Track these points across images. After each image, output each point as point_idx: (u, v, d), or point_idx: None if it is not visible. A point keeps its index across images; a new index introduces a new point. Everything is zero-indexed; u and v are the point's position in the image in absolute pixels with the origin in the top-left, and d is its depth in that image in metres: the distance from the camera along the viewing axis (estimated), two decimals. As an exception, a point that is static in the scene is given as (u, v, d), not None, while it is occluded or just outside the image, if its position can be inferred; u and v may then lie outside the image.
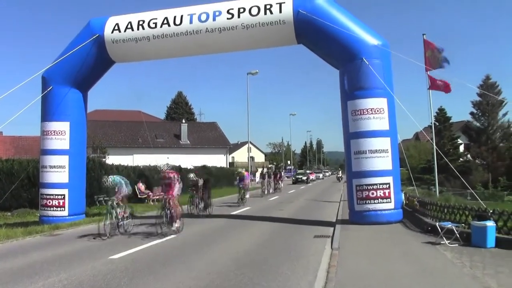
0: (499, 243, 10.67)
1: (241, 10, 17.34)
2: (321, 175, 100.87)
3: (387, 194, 15.45)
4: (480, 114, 61.33)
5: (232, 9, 17.49)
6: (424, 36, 19.93)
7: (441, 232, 11.58)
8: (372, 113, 15.68)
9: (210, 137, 66.48)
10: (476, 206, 12.67)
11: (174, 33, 17.95)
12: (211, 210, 21.18)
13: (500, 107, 60.34)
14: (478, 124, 62.25)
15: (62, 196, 18.91)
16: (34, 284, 8.59)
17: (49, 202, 18.95)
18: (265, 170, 42.71)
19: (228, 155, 68.52)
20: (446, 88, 18.82)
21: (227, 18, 17.44)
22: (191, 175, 21.01)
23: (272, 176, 41.58)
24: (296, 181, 67.44)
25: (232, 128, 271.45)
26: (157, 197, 28.24)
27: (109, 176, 15.69)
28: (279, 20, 16.91)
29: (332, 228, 15.16)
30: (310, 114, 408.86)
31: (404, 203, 16.90)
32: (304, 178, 68.78)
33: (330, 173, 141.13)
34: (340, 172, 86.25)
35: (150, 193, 30.83)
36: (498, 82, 59.81)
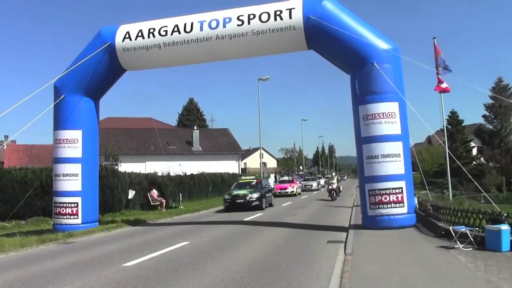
0: (514, 247, 10.59)
1: (251, 16, 17.38)
2: (314, 184, 62.67)
3: (400, 199, 15.38)
4: (492, 116, 60.89)
5: (242, 15, 17.53)
6: (435, 40, 19.87)
7: (455, 236, 11.51)
8: (383, 118, 15.64)
9: (222, 144, 66.60)
10: (490, 209, 12.56)
11: (184, 40, 18.01)
12: None
13: (513, 109, 59.94)
14: (490, 127, 61.81)
15: (75, 204, 19.00)
16: (48, 292, 8.62)
17: (63, 210, 19.05)
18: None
19: (240, 161, 68.59)
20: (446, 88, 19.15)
21: (237, 25, 17.47)
22: None
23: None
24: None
25: (244, 134, 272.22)
26: None
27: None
28: (289, 26, 16.91)
29: (345, 233, 15.10)
30: (321, 119, 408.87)
31: (417, 207, 16.81)
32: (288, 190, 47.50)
33: (335, 179, 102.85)
34: (336, 179, 42.09)
35: (163, 200, 30.94)
36: (511, 84, 59.45)
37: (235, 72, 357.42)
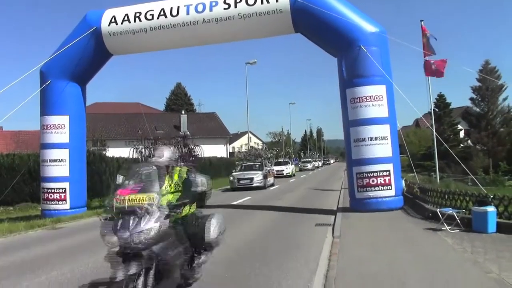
0: (500, 228, 10.68)
1: (238, 0, 17.27)
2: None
3: (387, 181, 15.47)
4: (480, 99, 61.22)
5: (229, -1, 17.42)
6: (422, 22, 19.84)
7: (442, 218, 11.61)
8: (371, 101, 15.67)
9: (210, 128, 66.41)
10: (476, 191, 12.69)
11: (171, 24, 17.89)
12: None
13: (500, 92, 60.29)
14: (478, 110, 62.14)
15: (63, 190, 18.95)
16: (37, 277, 8.60)
17: (51, 196, 19.00)
18: None
19: (228, 145, 68.50)
20: (438, 72, 18.78)
21: (224, 8, 17.36)
22: None
23: None
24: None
25: (232, 118, 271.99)
26: None
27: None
28: (276, 9, 16.84)
29: (333, 216, 15.18)
30: (309, 103, 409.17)
31: (404, 190, 16.92)
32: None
33: (319, 164, 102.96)
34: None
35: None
36: (498, 67, 59.73)
37: (223, 56, 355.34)
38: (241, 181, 32.18)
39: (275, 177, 42.05)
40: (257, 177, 32.26)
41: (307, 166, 79.06)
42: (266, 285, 7.45)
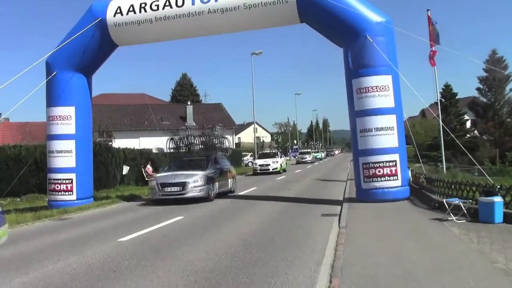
0: (507, 219, 10.64)
1: (243, -11, 17.20)
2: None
3: (393, 172, 15.45)
4: (486, 89, 60.76)
5: (235, -11, 17.36)
6: (429, 12, 19.74)
7: (449, 208, 11.58)
8: (377, 91, 15.62)
9: (216, 118, 66.35)
10: (483, 182, 12.62)
11: (176, 15, 17.85)
12: None
13: (507, 82, 59.81)
14: (484, 100, 61.70)
15: (70, 181, 19.01)
16: (44, 268, 8.64)
17: (57, 187, 19.06)
18: None
19: (234, 136, 68.50)
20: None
21: (230, -2, 17.33)
22: None
23: None
24: None
25: (238, 109, 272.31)
26: None
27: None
28: (282, -1, 16.78)
29: (339, 207, 15.16)
30: (315, 93, 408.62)
31: (411, 180, 16.89)
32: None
33: (322, 155, 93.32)
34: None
35: (158, 176, 30.86)
36: (505, 56, 59.30)
37: (229, 46, 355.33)
38: (166, 189, 19.40)
39: (262, 173, 40.23)
40: (193, 182, 19.32)
41: (305, 158, 69.11)
42: (273, 275, 7.45)
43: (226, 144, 26.29)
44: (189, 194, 18.98)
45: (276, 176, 37.58)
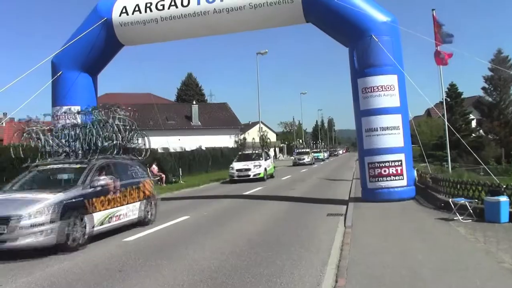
0: (513, 218, 10.63)
1: (249, -11, 17.20)
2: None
3: (399, 171, 15.42)
4: (492, 89, 60.56)
5: (240, -11, 17.36)
6: (434, 11, 19.69)
7: (454, 208, 11.56)
8: (382, 90, 15.59)
9: (221, 118, 66.49)
10: (489, 181, 12.60)
11: (182, 14, 17.86)
12: None
13: (513, 81, 59.64)
14: (490, 99, 61.49)
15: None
16: (50, 267, 8.67)
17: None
18: None
19: (239, 135, 68.51)
20: (444, 61, 19.00)
21: (235, -2, 17.34)
22: None
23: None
24: None
25: (243, 108, 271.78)
26: None
27: None
28: (287, -1, 16.77)
29: (345, 206, 15.17)
30: (320, 93, 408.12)
31: (416, 180, 16.86)
32: None
33: (324, 155, 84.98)
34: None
35: (163, 176, 30.92)
36: (511, 56, 59.08)
37: (234, 46, 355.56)
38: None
39: (241, 180, 31.46)
40: (28, 217, 9.53)
41: (303, 159, 59.78)
42: (279, 274, 7.46)
43: (138, 141, 16.48)
44: (14, 243, 9.43)
45: (253, 184, 28.65)
